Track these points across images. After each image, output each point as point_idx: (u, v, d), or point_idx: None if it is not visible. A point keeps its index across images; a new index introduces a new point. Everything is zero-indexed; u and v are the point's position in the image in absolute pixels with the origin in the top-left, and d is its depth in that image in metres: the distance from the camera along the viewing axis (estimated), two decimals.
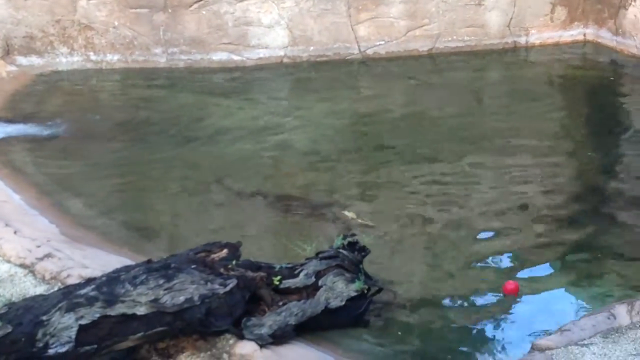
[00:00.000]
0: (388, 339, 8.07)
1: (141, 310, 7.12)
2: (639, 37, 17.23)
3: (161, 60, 17.32)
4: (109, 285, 7.25)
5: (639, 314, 7.61)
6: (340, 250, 8.52)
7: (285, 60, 17.48)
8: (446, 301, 8.79)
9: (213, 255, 7.99)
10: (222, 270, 7.79)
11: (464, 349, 7.94)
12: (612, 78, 16.76)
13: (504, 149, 13.02)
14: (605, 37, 18.13)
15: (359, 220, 10.05)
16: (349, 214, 10.13)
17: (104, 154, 13.09)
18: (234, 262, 7.96)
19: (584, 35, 18.52)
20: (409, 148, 13.05)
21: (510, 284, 8.93)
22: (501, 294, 8.87)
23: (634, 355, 7.04)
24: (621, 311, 7.67)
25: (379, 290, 8.53)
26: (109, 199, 11.46)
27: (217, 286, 7.49)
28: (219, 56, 17.38)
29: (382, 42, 17.79)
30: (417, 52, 17.84)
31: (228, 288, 7.52)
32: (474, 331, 8.24)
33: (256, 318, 7.64)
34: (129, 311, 7.10)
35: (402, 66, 17.35)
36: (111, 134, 13.89)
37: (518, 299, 8.79)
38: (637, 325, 7.50)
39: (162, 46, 17.33)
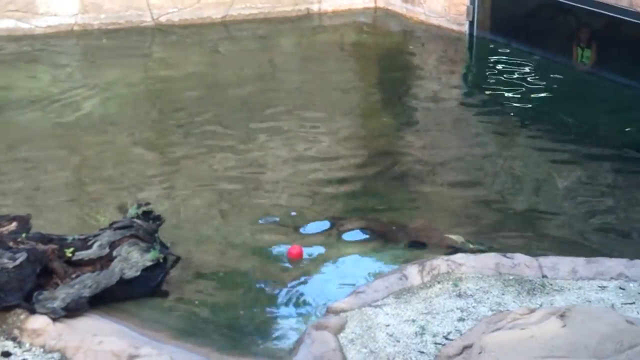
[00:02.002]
0: (185, 308, 8.01)
1: None
2: (427, 4, 17.66)
3: None
4: None
5: (429, 274, 7.81)
6: (135, 220, 8.39)
7: (75, 28, 17.05)
8: (241, 268, 8.79)
9: (1, 229, 7.75)
10: (11, 243, 7.56)
11: (260, 315, 7.97)
12: (411, 47, 17.11)
13: (298, 115, 13.11)
14: (395, 4, 18.48)
15: (471, 246, 9.65)
16: (457, 238, 9.69)
17: None
18: (23, 235, 7.74)
19: (375, 2, 18.82)
20: (203, 116, 12.98)
21: (294, 249, 9.02)
22: (290, 259, 8.98)
23: (425, 313, 7.22)
24: (412, 272, 7.84)
25: (177, 260, 8.46)
26: None
27: (5, 260, 7.26)
28: (6, 24, 16.78)
29: (175, 10, 17.60)
30: (210, 20, 17.74)
31: (18, 262, 7.31)
32: (270, 297, 8.28)
33: (48, 291, 7.46)
34: None
35: (196, 34, 17.23)
36: None
37: (306, 263, 8.90)
38: (428, 285, 7.70)
39: None
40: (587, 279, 7.78)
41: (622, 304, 7.31)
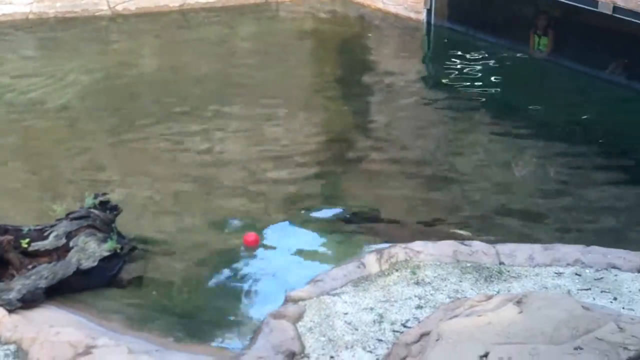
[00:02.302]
0: (143, 298, 8.01)
1: None
2: None
3: None
4: None
5: (387, 262, 7.84)
6: (92, 210, 8.36)
7: (30, 16, 16.90)
8: (199, 256, 8.77)
9: None
10: None
11: (219, 303, 7.97)
12: (370, 35, 17.10)
13: (257, 106, 13.05)
14: None
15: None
16: (464, 233, 9.55)
17: None
18: None
19: None
20: (161, 107, 12.89)
21: (250, 236, 9.01)
22: (245, 246, 8.97)
23: (383, 301, 7.24)
24: (371, 260, 7.87)
25: (133, 249, 8.43)
26: None
27: None
28: None
29: None
30: (167, 8, 17.63)
31: None
32: (229, 287, 8.27)
33: (4, 283, 7.43)
34: None
35: (153, 22, 17.11)
36: None
37: (265, 252, 8.89)
38: (386, 273, 7.73)
39: None
40: (543, 265, 7.85)
41: (578, 289, 7.37)
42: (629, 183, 10.89)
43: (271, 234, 9.25)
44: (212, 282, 8.35)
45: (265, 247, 8.98)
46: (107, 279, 8.05)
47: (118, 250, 8.12)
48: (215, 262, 8.70)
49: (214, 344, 7.30)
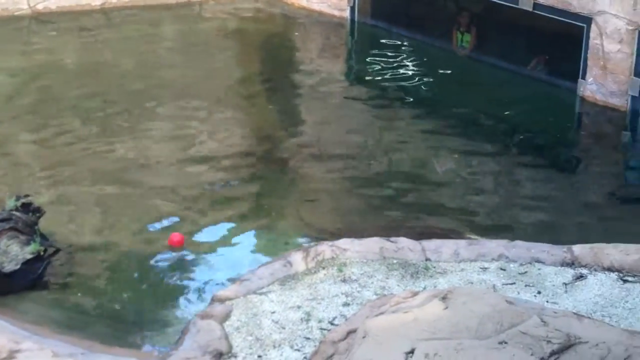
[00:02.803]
0: (68, 300, 7.95)
1: None
2: None
3: None
4: None
5: (313, 260, 7.84)
6: (14, 212, 8.24)
7: None
8: (124, 258, 8.73)
9: None
10: None
11: (145, 305, 7.93)
12: (297, 33, 17.08)
13: (182, 106, 12.96)
14: None
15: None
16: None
17: None
18: None
19: None
20: (84, 108, 12.73)
21: (175, 236, 8.99)
22: (170, 246, 8.95)
23: (310, 299, 7.25)
24: (297, 258, 7.87)
25: (57, 251, 8.33)
26: None
27: None
28: None
29: None
30: (89, 7, 17.40)
31: None
32: (155, 288, 8.24)
33: None
34: None
35: (75, 21, 16.89)
36: None
37: (193, 253, 8.87)
38: (313, 271, 7.73)
39: None
40: (469, 260, 7.92)
41: (502, 284, 7.45)
42: (549, 177, 11.10)
43: (197, 234, 9.23)
44: (137, 284, 8.31)
45: (191, 247, 8.94)
46: (30, 281, 7.96)
47: (41, 253, 8.03)
48: (140, 263, 8.65)
49: (140, 345, 7.26)
